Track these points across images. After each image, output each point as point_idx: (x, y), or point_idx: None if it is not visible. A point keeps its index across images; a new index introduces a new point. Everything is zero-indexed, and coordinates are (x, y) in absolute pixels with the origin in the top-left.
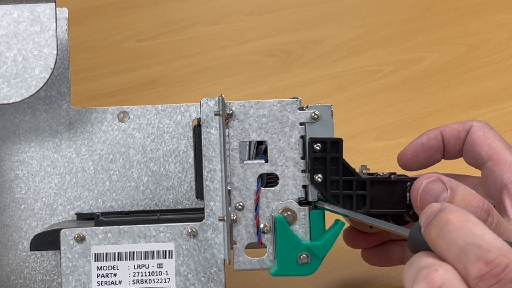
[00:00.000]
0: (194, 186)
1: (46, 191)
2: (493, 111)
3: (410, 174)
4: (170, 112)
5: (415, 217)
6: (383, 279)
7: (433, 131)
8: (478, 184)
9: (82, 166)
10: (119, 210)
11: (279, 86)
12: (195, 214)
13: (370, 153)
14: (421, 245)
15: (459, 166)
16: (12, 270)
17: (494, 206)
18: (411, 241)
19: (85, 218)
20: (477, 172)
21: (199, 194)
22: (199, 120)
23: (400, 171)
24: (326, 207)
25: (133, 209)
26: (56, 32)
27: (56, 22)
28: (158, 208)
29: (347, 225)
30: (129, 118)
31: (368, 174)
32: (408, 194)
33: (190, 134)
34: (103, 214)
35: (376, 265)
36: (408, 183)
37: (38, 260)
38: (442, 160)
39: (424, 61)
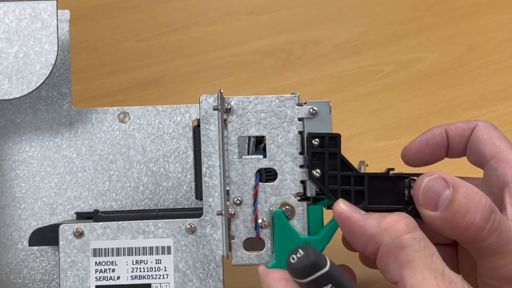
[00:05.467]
0: (193, 187)
1: (46, 191)
2: (494, 111)
3: (411, 171)
4: (170, 113)
5: (414, 213)
6: (384, 279)
7: (438, 128)
8: (479, 184)
9: (82, 166)
10: (119, 210)
11: (279, 86)
12: (194, 211)
13: (370, 153)
14: None
15: (461, 165)
16: (11, 270)
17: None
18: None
19: (85, 217)
20: (478, 173)
21: (199, 195)
22: (199, 121)
23: (400, 169)
24: None
25: (132, 209)
26: (57, 29)
27: (57, 19)
28: (157, 208)
29: None
30: (129, 119)
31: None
32: (406, 191)
33: (190, 134)
34: (103, 212)
35: (375, 268)
36: (407, 179)
37: (38, 260)
38: (444, 159)
39: (424, 61)
